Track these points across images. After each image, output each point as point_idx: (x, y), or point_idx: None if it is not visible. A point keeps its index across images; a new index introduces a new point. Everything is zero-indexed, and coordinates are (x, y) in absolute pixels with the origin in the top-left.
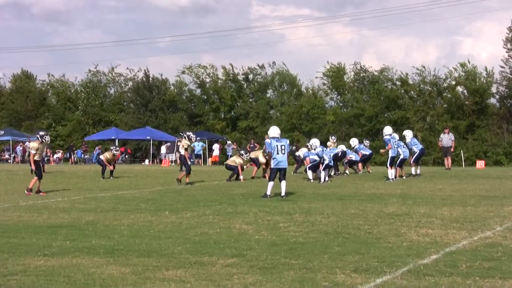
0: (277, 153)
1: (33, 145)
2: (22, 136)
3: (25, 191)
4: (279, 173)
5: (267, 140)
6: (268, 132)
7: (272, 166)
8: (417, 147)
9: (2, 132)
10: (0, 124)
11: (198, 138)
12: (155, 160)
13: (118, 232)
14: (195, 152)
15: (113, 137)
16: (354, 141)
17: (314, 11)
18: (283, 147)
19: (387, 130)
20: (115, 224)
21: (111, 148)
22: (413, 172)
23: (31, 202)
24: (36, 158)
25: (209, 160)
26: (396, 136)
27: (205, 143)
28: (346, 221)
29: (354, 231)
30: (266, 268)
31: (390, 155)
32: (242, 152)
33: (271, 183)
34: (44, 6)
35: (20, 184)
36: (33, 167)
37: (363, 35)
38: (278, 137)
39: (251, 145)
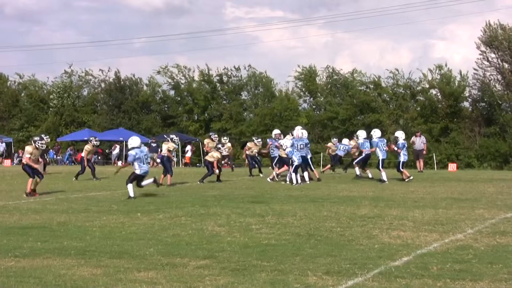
0: (297, 150)
1: (27, 149)
2: None
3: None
4: (302, 165)
5: (374, 140)
6: (293, 132)
7: (296, 161)
8: (366, 150)
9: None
10: None
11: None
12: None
13: (90, 234)
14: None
15: (85, 138)
16: (362, 134)
17: (288, 13)
18: (301, 145)
19: (376, 133)
20: (87, 225)
21: (91, 139)
22: (358, 173)
23: (2, 203)
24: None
25: (182, 161)
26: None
27: (178, 145)
28: (318, 223)
29: (326, 233)
30: (238, 269)
31: (380, 157)
32: (220, 146)
33: (293, 174)
34: (17, 6)
35: None
36: (35, 166)
37: (338, 38)
38: (300, 137)
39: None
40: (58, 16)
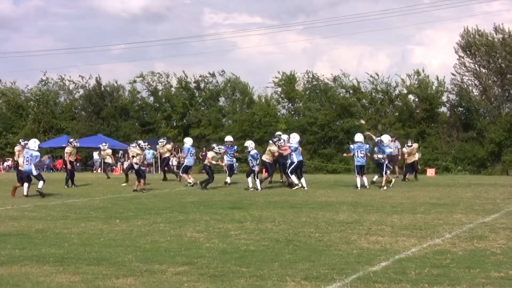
0: (357, 155)
1: (67, 150)
2: None
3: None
4: (359, 169)
5: (351, 146)
6: (354, 138)
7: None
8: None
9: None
10: None
11: (149, 146)
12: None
13: (68, 241)
14: (147, 160)
15: (64, 145)
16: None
17: (266, 19)
18: (362, 151)
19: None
20: (65, 232)
21: (71, 140)
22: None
23: None
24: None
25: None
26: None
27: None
28: (297, 229)
29: (305, 239)
30: (217, 276)
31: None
32: (214, 145)
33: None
34: None
35: None
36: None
37: (316, 43)
38: (361, 142)
39: (203, 153)
40: (35, 23)
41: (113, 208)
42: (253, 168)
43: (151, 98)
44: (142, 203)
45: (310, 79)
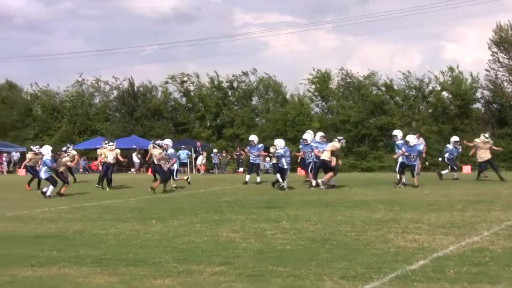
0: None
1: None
2: (7, 146)
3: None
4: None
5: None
6: (407, 139)
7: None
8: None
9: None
10: None
11: (183, 146)
12: (141, 169)
13: (105, 242)
14: (181, 160)
15: (98, 146)
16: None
17: (296, 18)
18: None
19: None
20: (102, 233)
21: (102, 142)
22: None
23: (17, 213)
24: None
25: (195, 168)
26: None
27: (191, 151)
28: (333, 228)
29: (341, 238)
30: (254, 275)
31: (400, 160)
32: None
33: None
34: (26, 16)
35: (6, 194)
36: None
37: (347, 42)
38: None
39: (237, 153)
40: (66, 25)
41: (148, 209)
42: (283, 167)
43: (184, 99)
44: (177, 204)
45: (343, 76)
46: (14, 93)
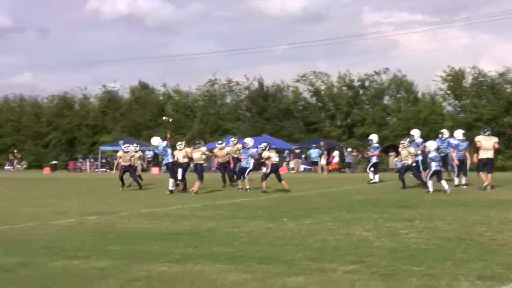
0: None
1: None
2: (141, 145)
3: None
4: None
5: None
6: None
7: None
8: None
9: (122, 142)
10: (120, 134)
11: (314, 145)
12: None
13: (238, 239)
14: (312, 159)
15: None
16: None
17: (426, 16)
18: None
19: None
20: (234, 231)
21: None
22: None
23: (152, 210)
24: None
25: (326, 167)
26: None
27: (322, 150)
28: (468, 227)
29: (477, 238)
30: (388, 275)
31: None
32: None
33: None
34: (157, 18)
35: (140, 191)
36: None
37: (479, 39)
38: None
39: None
40: (197, 27)
41: (280, 207)
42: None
43: (314, 98)
44: (309, 202)
45: (476, 75)
46: (147, 93)
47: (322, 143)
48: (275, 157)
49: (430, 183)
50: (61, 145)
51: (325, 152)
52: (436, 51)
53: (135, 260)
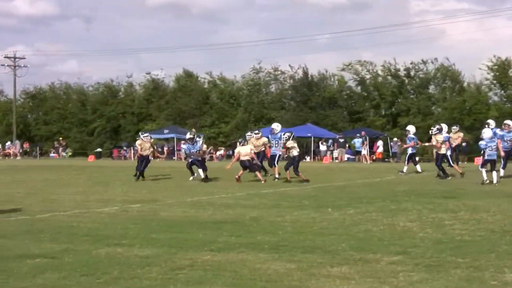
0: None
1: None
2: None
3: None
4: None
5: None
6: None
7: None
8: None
9: (167, 130)
10: (165, 122)
11: (358, 135)
12: (316, 157)
13: (282, 229)
14: (356, 149)
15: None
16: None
17: (473, 5)
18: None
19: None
20: (278, 220)
21: (250, 133)
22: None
23: (196, 198)
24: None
25: (368, 156)
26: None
27: (363, 139)
28: None
29: None
30: (432, 266)
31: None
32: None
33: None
34: (203, 6)
35: (182, 180)
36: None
37: None
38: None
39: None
40: (241, 15)
41: (324, 197)
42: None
43: (358, 87)
44: (353, 192)
45: None
46: (192, 81)
47: (363, 132)
48: (295, 151)
49: (484, 171)
50: (106, 133)
51: (366, 142)
52: (483, 40)
53: (179, 248)
